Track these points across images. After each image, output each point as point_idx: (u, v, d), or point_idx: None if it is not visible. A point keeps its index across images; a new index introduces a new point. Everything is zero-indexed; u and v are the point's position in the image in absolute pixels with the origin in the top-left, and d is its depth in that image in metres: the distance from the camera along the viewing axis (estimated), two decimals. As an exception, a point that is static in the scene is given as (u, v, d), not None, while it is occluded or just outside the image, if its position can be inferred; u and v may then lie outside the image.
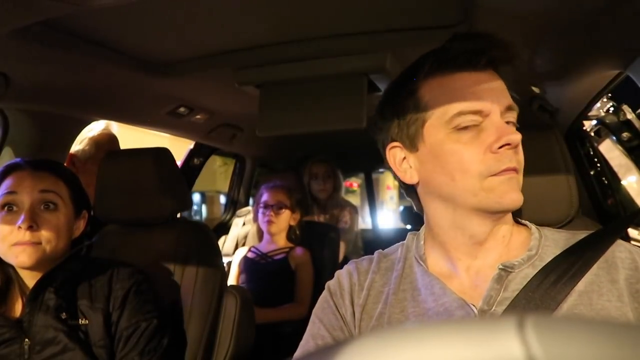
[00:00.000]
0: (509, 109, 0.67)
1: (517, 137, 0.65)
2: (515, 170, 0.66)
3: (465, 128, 0.66)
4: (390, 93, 0.77)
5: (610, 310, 0.62)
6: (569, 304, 0.63)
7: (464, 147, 0.66)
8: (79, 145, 1.71)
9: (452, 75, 0.68)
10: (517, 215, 0.78)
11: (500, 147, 0.65)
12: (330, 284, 0.80)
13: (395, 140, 0.73)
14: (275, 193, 2.02)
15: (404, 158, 0.73)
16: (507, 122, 0.67)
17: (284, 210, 2.00)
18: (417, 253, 0.76)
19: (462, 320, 0.23)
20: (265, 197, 2.03)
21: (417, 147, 0.71)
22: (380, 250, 0.83)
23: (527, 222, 0.75)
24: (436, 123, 0.68)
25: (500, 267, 0.67)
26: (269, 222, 1.99)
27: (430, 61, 0.69)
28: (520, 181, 0.68)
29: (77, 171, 1.54)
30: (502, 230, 0.71)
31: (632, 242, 1.66)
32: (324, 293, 0.80)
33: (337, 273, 0.81)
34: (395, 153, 0.74)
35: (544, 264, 0.67)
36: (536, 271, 0.66)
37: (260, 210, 2.03)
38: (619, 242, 0.69)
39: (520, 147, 0.68)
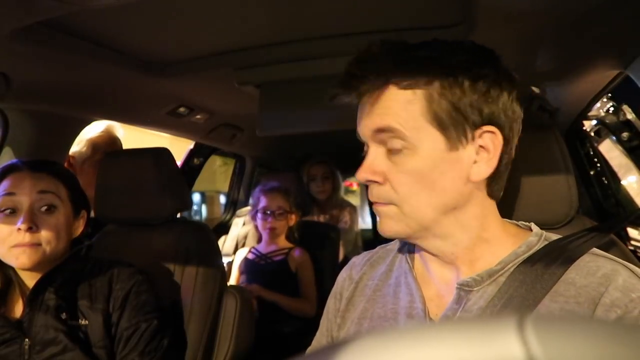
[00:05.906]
0: (377, 131, 0.63)
1: (361, 175, 0.63)
2: (378, 204, 0.64)
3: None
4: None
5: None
6: None
7: None
8: (76, 146, 1.71)
9: None
10: (518, 215, 0.77)
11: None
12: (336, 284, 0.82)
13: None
14: (273, 197, 1.97)
15: None
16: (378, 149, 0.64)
17: (284, 215, 1.98)
18: (407, 250, 0.74)
19: (462, 321, 0.23)
20: (263, 202, 1.98)
21: None
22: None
23: (533, 229, 0.67)
24: None
25: (457, 286, 0.63)
26: (271, 229, 1.96)
27: None
28: (398, 212, 0.63)
29: (75, 172, 1.53)
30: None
31: (632, 242, 1.66)
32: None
33: (342, 271, 0.82)
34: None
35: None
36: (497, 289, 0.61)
37: (260, 216, 1.99)
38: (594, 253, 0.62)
39: (386, 182, 0.62)
